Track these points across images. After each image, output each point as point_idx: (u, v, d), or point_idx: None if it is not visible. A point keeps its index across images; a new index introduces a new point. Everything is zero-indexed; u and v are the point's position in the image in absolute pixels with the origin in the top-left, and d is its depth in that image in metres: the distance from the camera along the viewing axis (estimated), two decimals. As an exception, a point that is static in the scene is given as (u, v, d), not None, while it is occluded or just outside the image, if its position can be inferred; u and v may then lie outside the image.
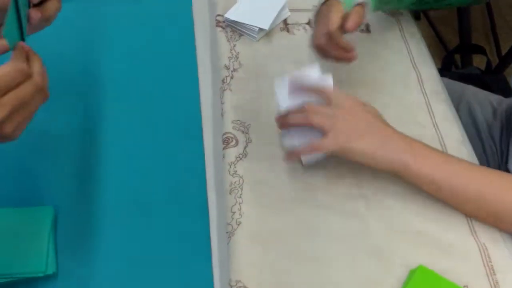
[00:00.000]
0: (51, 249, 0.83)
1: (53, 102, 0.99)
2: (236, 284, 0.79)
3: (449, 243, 0.85)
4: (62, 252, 0.84)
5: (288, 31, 1.13)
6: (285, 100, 0.90)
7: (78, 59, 1.04)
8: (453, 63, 1.82)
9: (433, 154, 0.85)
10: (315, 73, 0.91)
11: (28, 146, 0.95)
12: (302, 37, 1.12)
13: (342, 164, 0.92)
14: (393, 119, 0.89)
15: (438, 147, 0.96)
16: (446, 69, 1.66)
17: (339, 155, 0.84)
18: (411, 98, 1.03)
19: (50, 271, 0.81)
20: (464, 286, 0.80)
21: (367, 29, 1.13)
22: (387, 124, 0.86)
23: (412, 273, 0.81)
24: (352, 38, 1.09)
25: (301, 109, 0.86)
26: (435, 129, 0.99)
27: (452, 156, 0.87)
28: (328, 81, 0.92)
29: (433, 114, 1.01)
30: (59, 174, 0.92)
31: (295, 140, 0.88)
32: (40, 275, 0.80)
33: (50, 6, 0.76)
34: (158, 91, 1.04)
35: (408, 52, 1.12)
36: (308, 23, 1.14)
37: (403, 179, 0.85)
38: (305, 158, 0.91)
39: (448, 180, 0.84)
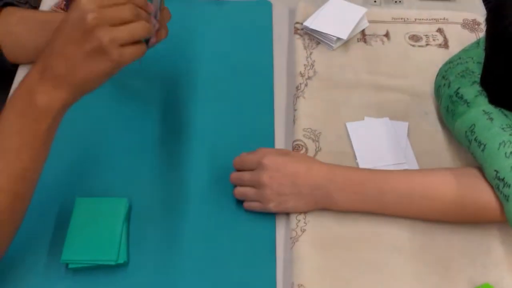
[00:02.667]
0: (124, 239, 0.86)
1: (131, 99, 1.04)
2: (298, 288, 0.81)
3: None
4: (134, 243, 0.88)
5: (365, 42, 1.13)
6: (359, 144, 0.97)
7: (158, 60, 1.08)
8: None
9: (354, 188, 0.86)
10: (387, 122, 0.99)
11: (107, 140, 0.99)
12: (379, 48, 1.12)
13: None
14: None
15: None
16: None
17: None
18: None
19: (121, 260, 0.84)
20: (529, 309, 0.79)
21: (446, 44, 1.13)
22: (310, 174, 0.86)
23: (477, 290, 0.81)
24: (431, 52, 1.10)
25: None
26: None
27: (371, 181, 0.86)
28: (404, 127, 0.99)
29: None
30: (135, 169, 0.96)
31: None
32: (112, 263, 0.84)
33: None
34: (234, 93, 1.07)
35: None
36: (386, 34, 1.14)
37: None
38: None
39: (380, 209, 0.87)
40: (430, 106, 1.03)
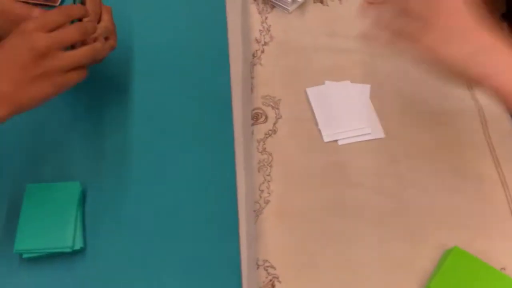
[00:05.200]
0: (79, 224, 0.83)
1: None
2: (263, 264, 0.78)
3: (487, 224, 0.82)
4: (89, 228, 0.84)
5: (321, 2, 1.09)
6: (320, 110, 0.93)
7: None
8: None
9: None
10: (348, 86, 0.96)
11: (58, 123, 0.95)
12: (336, 8, 1.08)
13: (375, 142, 0.90)
14: (427, 89, 0.85)
15: (477, 120, 0.92)
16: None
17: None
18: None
19: (77, 246, 0.81)
20: (501, 269, 0.77)
21: (405, 0, 1.09)
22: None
23: (446, 254, 0.78)
24: None
25: None
26: (474, 101, 0.95)
27: None
28: (365, 89, 0.95)
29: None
30: (88, 152, 0.92)
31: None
32: (68, 250, 0.80)
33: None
34: (188, 64, 1.02)
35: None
36: (343, -7, 1.10)
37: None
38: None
39: None
40: (391, 66, 0.99)
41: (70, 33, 0.75)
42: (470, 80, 0.69)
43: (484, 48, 0.68)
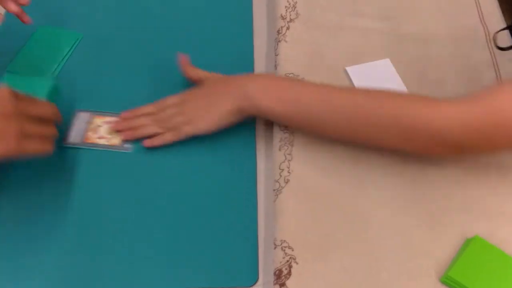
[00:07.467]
0: None
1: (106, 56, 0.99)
2: (281, 244, 0.77)
3: (509, 214, 0.80)
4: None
5: (349, -20, 1.07)
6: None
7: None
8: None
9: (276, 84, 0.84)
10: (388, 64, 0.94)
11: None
12: (363, -13, 1.06)
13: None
14: (455, 78, 0.84)
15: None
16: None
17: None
18: (477, 56, 0.97)
19: None
20: (522, 260, 0.76)
21: (434, -20, 1.07)
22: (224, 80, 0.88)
23: (467, 242, 0.77)
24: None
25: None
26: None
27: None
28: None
29: (500, 74, 0.95)
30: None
31: None
32: None
33: None
34: (211, 39, 1.02)
35: (477, 6, 1.05)
36: (370, -28, 1.08)
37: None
38: None
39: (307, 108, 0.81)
40: (416, 49, 0.97)
41: (41, 106, 0.77)
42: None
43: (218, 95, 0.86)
